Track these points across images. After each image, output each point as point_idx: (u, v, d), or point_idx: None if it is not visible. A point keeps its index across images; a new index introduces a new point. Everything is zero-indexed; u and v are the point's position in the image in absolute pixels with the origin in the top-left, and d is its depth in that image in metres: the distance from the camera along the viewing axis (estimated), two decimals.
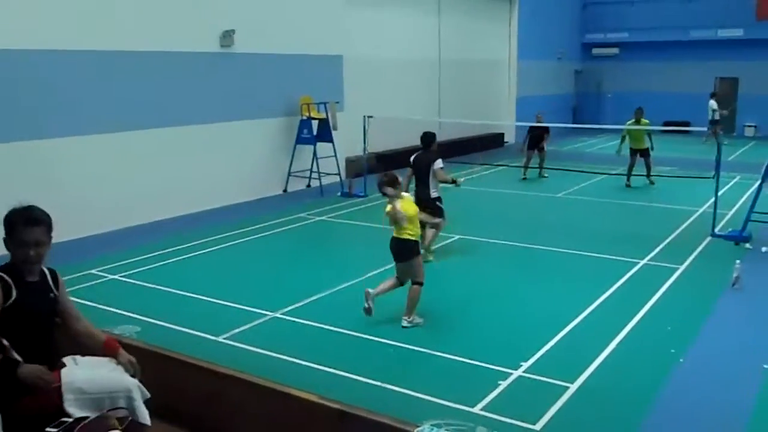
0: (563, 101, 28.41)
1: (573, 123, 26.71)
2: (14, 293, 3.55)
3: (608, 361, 6.04)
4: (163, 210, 11.82)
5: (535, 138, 16.05)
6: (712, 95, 23.59)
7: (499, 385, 5.58)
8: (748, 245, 9.83)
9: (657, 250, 9.70)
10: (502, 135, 23.61)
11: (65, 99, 10.35)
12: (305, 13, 14.56)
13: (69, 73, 10.39)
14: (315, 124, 14.29)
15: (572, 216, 12.46)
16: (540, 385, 5.60)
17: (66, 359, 3.77)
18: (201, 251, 9.86)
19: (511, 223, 11.50)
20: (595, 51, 29.74)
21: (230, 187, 13.20)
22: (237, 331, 6.79)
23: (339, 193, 14.13)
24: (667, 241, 10.25)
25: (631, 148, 15.23)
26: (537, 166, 16.35)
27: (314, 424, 3.74)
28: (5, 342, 3.51)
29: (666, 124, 24.09)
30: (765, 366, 5.95)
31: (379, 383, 5.62)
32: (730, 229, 10.53)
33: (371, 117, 14.02)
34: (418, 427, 3.30)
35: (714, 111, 22.82)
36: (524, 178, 16.23)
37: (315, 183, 14.68)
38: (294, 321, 7.12)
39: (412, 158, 9.49)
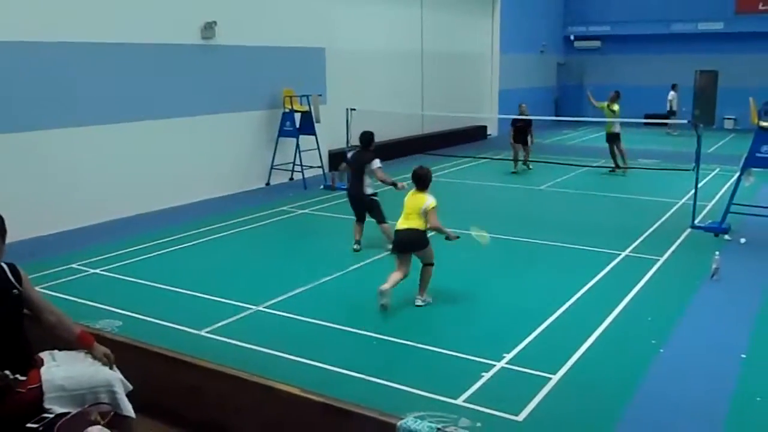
0: (546, 94, 28.51)
1: (555, 116, 26.82)
2: None
3: (590, 352, 6.09)
4: (145, 203, 11.72)
5: (519, 130, 15.81)
6: (673, 87, 24.42)
7: (482, 376, 5.61)
8: (727, 236, 9.94)
9: (638, 241, 9.79)
10: (484, 128, 23.67)
11: (41, 91, 10.21)
12: (287, 5, 14.48)
13: (44, 65, 10.25)
14: (297, 116, 14.23)
15: (555, 208, 12.53)
16: (523, 377, 5.64)
17: (43, 354, 3.73)
18: (183, 245, 9.80)
19: (494, 216, 11.53)
20: (578, 44, 29.88)
21: (212, 180, 13.13)
22: (220, 324, 6.76)
23: (322, 186, 14.10)
24: (648, 232, 10.34)
25: (606, 134, 16.06)
26: (522, 159, 16.25)
27: (297, 417, 3.74)
28: None
29: (647, 116, 24.25)
30: (743, 356, 6.04)
31: (362, 376, 5.62)
32: (709, 221, 10.64)
33: (354, 110, 13.99)
34: (401, 419, 3.31)
35: (671, 102, 23.91)
36: (514, 172, 15.96)
37: (298, 176, 14.63)
38: (277, 314, 7.11)
39: (349, 155, 9.79)
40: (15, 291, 3.61)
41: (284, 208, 12.25)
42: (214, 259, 9.28)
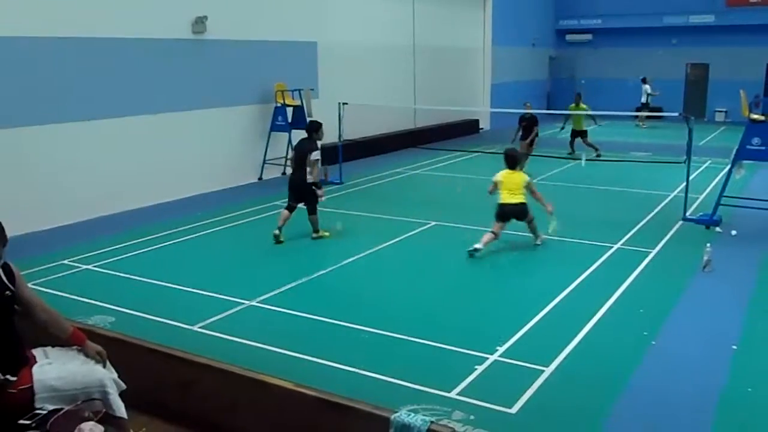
0: (538, 87, 28.56)
1: (547, 109, 26.84)
2: None
3: (583, 345, 6.12)
4: (137, 199, 11.68)
5: (526, 129, 15.48)
6: (644, 80, 24.78)
7: (476, 369, 5.62)
8: (718, 229, 9.99)
9: (630, 234, 9.82)
10: (477, 122, 23.67)
11: (31, 87, 10.15)
12: None
13: (31, 60, 10.17)
14: (290, 111, 14.21)
15: (547, 201, 12.52)
16: (516, 369, 5.66)
17: (36, 351, 3.71)
18: (175, 240, 9.77)
19: (486, 210, 11.51)
20: (569, 37, 29.91)
21: (205, 175, 13.09)
22: (212, 320, 6.75)
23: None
24: (640, 225, 10.38)
25: (572, 129, 17.30)
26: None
27: (291, 411, 3.74)
28: None
29: (638, 109, 24.35)
30: (734, 347, 6.08)
31: (355, 370, 5.63)
32: (700, 213, 10.68)
33: (346, 104, 13.97)
34: (395, 412, 3.32)
35: (648, 95, 24.30)
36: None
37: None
38: (270, 309, 7.10)
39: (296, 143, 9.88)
40: (8, 293, 3.58)
41: (277, 202, 12.20)
42: (207, 254, 9.26)
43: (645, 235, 9.80)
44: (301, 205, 9.65)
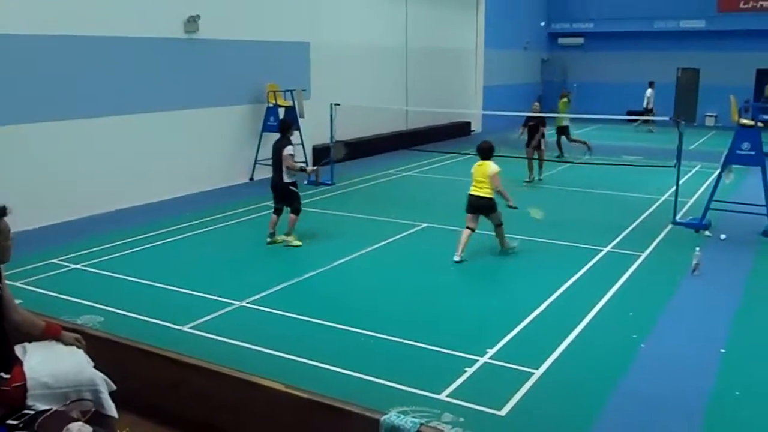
0: (529, 90, 28.59)
1: (539, 113, 26.89)
2: None
3: (572, 347, 6.14)
4: (127, 198, 11.63)
5: (532, 130, 14.37)
6: (650, 84, 24.83)
7: (465, 371, 5.63)
8: (707, 233, 10.04)
9: (620, 237, 9.87)
10: (468, 124, 23.71)
11: (21, 85, 10.08)
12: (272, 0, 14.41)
13: (23, 58, 10.11)
14: (282, 111, 14.17)
15: (537, 204, 12.52)
16: (505, 372, 5.67)
17: (16, 348, 3.70)
18: (166, 240, 9.74)
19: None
20: (561, 41, 30.03)
21: (196, 175, 13.05)
22: (202, 320, 6.73)
23: (306, 182, 14.04)
24: (630, 228, 10.42)
25: (556, 128, 17.04)
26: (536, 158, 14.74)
27: (281, 412, 3.74)
28: None
29: (629, 113, 24.47)
30: (722, 350, 6.11)
31: (345, 371, 5.62)
32: (690, 217, 10.74)
33: (338, 105, 13.96)
34: (384, 414, 3.32)
35: (649, 98, 24.33)
36: (529, 181, 14.40)
37: None
38: (260, 310, 7.09)
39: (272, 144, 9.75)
40: None
41: (268, 203, 12.17)
42: (197, 254, 9.23)
43: (635, 238, 9.85)
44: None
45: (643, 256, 8.97)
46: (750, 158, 9.96)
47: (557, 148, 17.15)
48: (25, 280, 7.64)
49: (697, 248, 8.41)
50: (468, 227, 8.73)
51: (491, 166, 8.74)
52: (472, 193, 8.75)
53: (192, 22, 12.62)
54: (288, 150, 9.17)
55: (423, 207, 11.71)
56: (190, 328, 6.55)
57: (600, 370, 5.75)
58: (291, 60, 15.21)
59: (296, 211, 9.36)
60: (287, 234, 9.33)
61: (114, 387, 3.72)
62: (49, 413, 3.44)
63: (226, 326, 6.60)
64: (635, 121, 23.59)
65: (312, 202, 12.32)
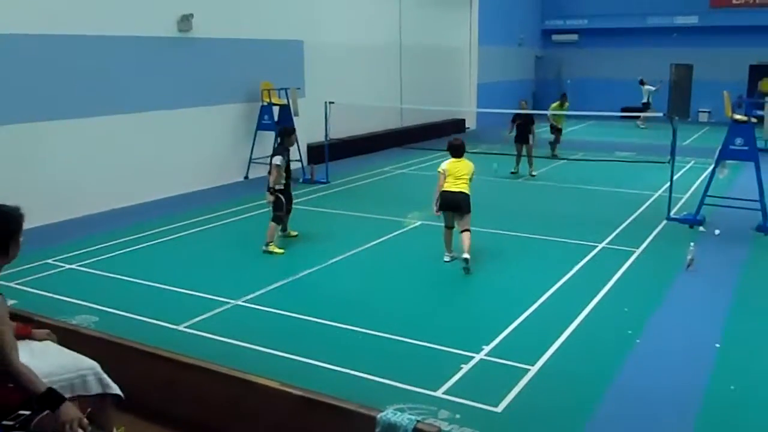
0: (524, 87, 28.66)
1: (533, 109, 26.96)
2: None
3: (568, 343, 6.15)
4: (121, 198, 11.60)
5: (521, 128, 14.54)
6: (641, 82, 24.80)
7: (462, 368, 5.64)
8: (702, 228, 10.07)
9: (615, 233, 9.88)
10: (463, 121, 23.71)
11: (14, 85, 10.04)
12: None
13: (16, 57, 10.07)
14: (276, 110, 14.16)
15: (532, 201, 12.61)
16: (502, 368, 5.68)
17: None
18: (160, 239, 9.72)
19: (474, 208, 11.58)
20: (555, 37, 30.04)
21: (190, 174, 13.03)
22: (198, 319, 6.72)
23: (301, 180, 14.05)
24: (625, 224, 10.44)
25: (554, 126, 16.83)
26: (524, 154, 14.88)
27: (277, 410, 3.73)
28: None
29: (624, 110, 24.51)
30: (717, 345, 6.13)
31: (341, 369, 5.63)
32: (684, 213, 10.77)
33: (332, 103, 13.95)
34: (381, 412, 3.31)
35: (650, 93, 24.28)
36: (514, 172, 14.72)
37: None
38: (256, 308, 7.08)
39: None
40: None
41: (262, 202, 12.16)
42: (192, 253, 9.21)
43: (629, 234, 9.87)
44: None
45: (638, 251, 8.99)
46: (743, 153, 10.00)
47: (552, 148, 16.89)
48: (20, 281, 7.62)
49: (692, 243, 8.44)
50: (449, 226, 8.59)
51: (470, 163, 8.61)
52: (455, 189, 8.36)
53: (185, 20, 12.58)
54: (276, 160, 8.99)
55: (418, 205, 11.70)
56: (185, 327, 6.55)
57: (596, 365, 5.77)
58: (285, 58, 15.19)
59: (273, 218, 9.06)
60: (266, 243, 9.00)
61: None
62: (43, 414, 3.43)
63: (221, 325, 6.59)
64: (631, 117, 23.62)
65: (306, 201, 12.31)
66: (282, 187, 9.14)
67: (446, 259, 8.56)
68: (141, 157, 12.02)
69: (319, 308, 6.99)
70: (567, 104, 17.12)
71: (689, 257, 8.21)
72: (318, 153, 15.17)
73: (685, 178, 13.89)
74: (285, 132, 9.50)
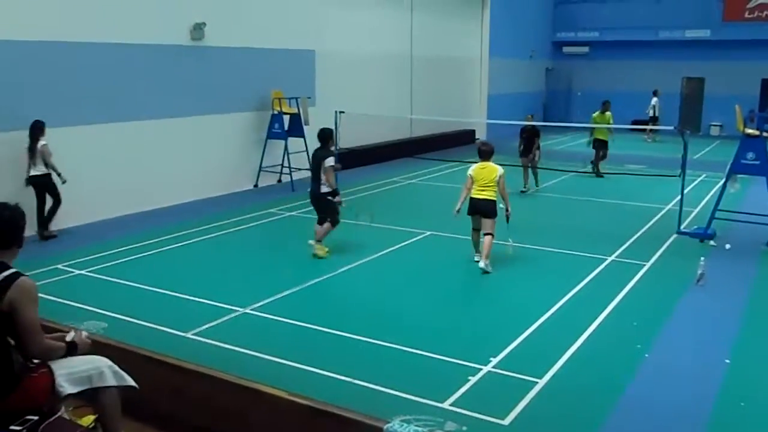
0: (534, 99, 28.64)
1: (543, 121, 26.93)
2: None
3: (576, 357, 6.11)
4: (131, 204, 11.65)
5: (527, 141, 14.29)
6: (654, 93, 24.65)
7: (469, 380, 5.61)
8: (712, 242, 10.01)
9: (624, 246, 9.84)
10: (473, 132, 23.72)
11: (27, 91, 10.13)
12: (277, 7, 14.46)
13: (30, 64, 10.16)
14: (286, 119, 14.22)
15: (541, 213, 12.57)
16: (509, 381, 5.65)
17: None
18: (170, 246, 9.75)
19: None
20: (566, 49, 30.03)
21: (200, 181, 13.08)
22: (206, 327, 6.73)
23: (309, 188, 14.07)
24: (635, 237, 10.40)
25: (596, 139, 16.10)
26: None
27: (284, 420, 3.73)
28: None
29: (634, 122, 24.40)
30: (727, 361, 6.08)
31: (349, 379, 5.61)
32: (695, 227, 10.71)
33: (343, 112, 13.98)
34: (387, 422, 3.31)
35: (654, 107, 24.14)
36: (525, 190, 14.16)
37: (286, 178, 14.61)
38: (264, 317, 7.08)
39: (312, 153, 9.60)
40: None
41: (272, 210, 12.22)
42: (201, 260, 9.24)
43: (639, 247, 9.82)
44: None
45: (648, 265, 8.94)
46: (755, 168, 9.94)
47: (593, 166, 16.14)
48: None
49: (702, 258, 8.38)
50: (476, 228, 8.88)
51: (498, 168, 8.72)
52: (478, 197, 8.67)
53: (198, 29, 12.67)
54: (329, 161, 8.99)
55: (427, 215, 11.70)
56: (193, 334, 6.55)
57: (604, 379, 5.73)
58: (296, 67, 15.26)
59: (333, 222, 9.16)
60: (317, 240, 9.18)
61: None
62: (52, 419, 3.45)
63: (229, 333, 6.60)
64: (641, 130, 23.50)
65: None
66: (329, 190, 9.16)
67: (476, 258, 8.82)
68: (152, 164, 12.08)
69: (327, 317, 6.99)
70: (609, 113, 16.07)
71: (699, 272, 8.15)
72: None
73: (696, 191, 13.82)
74: (330, 134, 9.46)
